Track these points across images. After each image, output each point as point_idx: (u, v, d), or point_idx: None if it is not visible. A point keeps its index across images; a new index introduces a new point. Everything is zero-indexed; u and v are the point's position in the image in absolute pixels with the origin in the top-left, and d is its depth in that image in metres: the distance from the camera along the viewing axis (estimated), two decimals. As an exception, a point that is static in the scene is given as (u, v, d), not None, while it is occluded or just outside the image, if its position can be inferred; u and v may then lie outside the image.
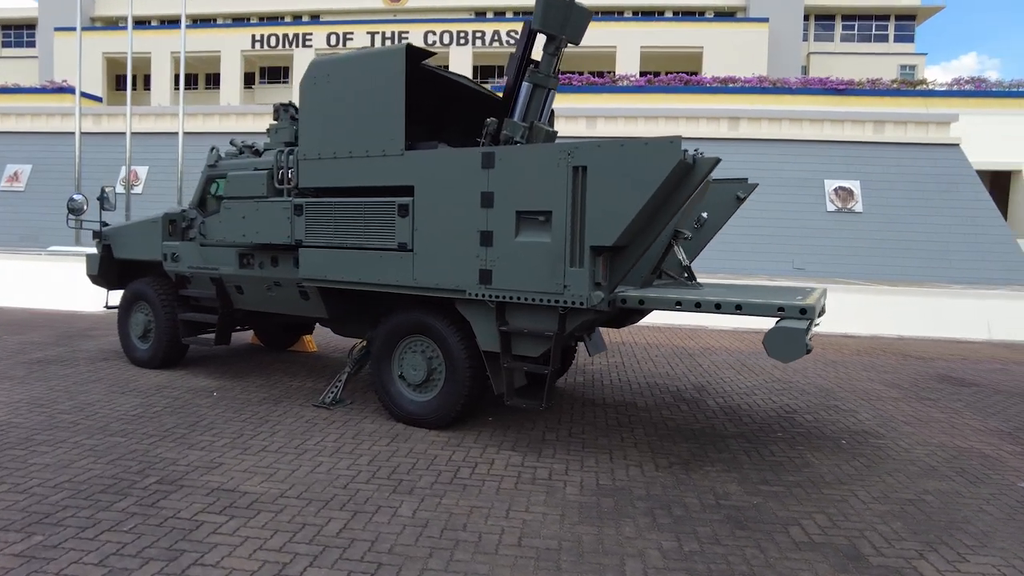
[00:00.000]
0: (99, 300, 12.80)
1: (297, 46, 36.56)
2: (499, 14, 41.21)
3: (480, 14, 41.45)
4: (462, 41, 37.05)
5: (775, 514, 3.99)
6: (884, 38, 37.46)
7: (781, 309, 4.21)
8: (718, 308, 4.34)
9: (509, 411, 5.96)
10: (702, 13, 40.76)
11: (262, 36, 36.91)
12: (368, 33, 36.85)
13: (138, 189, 21.76)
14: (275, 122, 7.22)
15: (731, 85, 25.34)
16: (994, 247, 18.89)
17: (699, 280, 5.73)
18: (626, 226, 4.25)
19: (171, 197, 19.56)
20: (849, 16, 38.41)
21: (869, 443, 5.50)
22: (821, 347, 10.44)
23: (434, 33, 36.88)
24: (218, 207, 6.95)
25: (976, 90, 23.11)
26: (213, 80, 39.40)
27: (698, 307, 4.39)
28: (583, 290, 4.41)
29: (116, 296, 8.20)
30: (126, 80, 41.10)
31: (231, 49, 36.54)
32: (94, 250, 8.20)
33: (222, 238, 6.72)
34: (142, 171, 22.61)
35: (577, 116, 22.33)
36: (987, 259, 18.72)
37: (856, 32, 37.95)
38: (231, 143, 7.41)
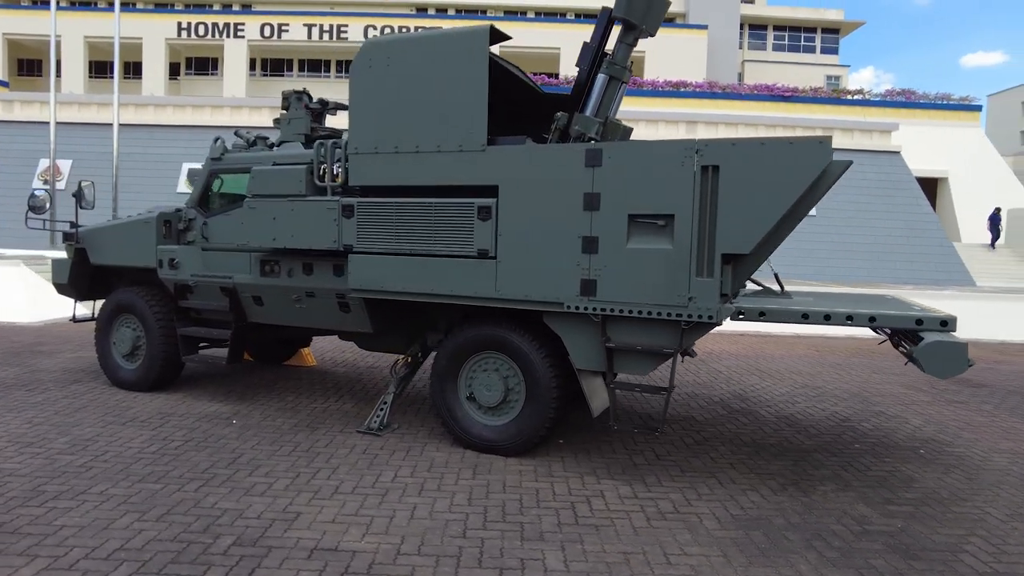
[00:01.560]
0: (38, 309, 11.32)
1: (228, 36, 34.43)
2: (441, 11, 40.46)
3: (421, 10, 40.56)
4: (405, 36, 35.99)
5: (930, 539, 3.73)
6: (812, 49, 39.44)
7: (919, 322, 3.97)
8: (850, 320, 4.05)
9: (573, 431, 5.49)
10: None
11: (189, 24, 34.52)
12: (305, 25, 35.22)
13: (61, 184, 19.63)
14: (285, 112, 6.45)
15: (683, 89, 25.78)
16: (933, 250, 20.06)
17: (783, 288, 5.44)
18: (766, 233, 3.88)
19: (104, 195, 17.72)
20: (780, 27, 40.15)
21: (946, 452, 5.40)
22: (810, 348, 10.56)
23: (374, 28, 35.68)
24: (222, 206, 6.10)
25: (907, 101, 24.55)
26: (133, 69, 36.47)
27: (827, 319, 4.08)
28: (712, 302, 4.01)
29: (86, 307, 7.12)
30: (35, 65, 37.42)
31: (154, 37, 33.93)
32: (60, 254, 7.07)
33: (233, 241, 5.89)
34: (64, 165, 20.43)
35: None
36: (927, 261, 19.85)
37: (787, 42, 39.74)
38: (236, 134, 6.54)
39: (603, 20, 5.16)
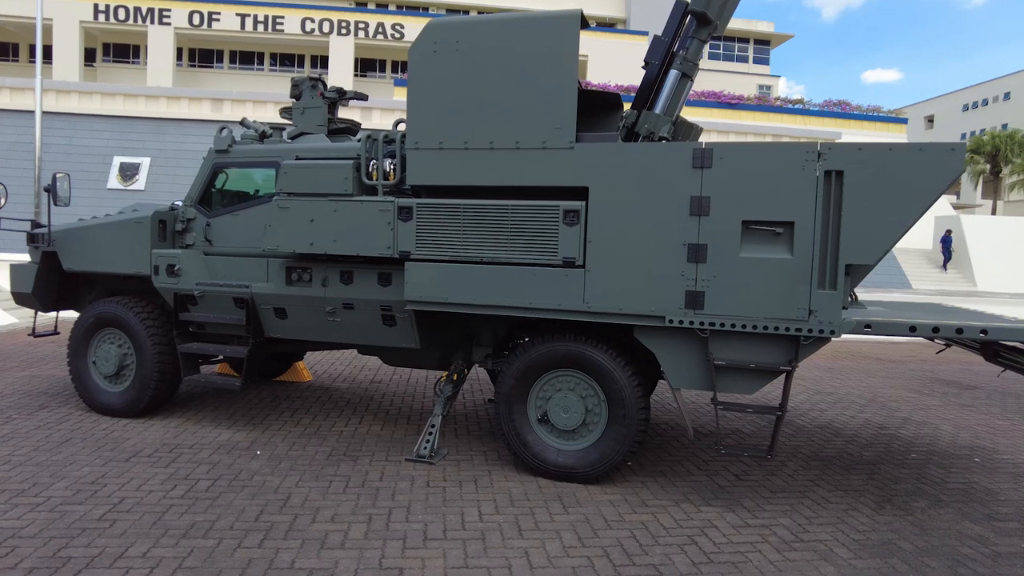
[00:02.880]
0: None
1: (152, 22, 31.98)
2: (381, 6, 39.32)
3: (361, 4, 39.27)
4: (343, 31, 34.72)
5: (1060, 560, 3.62)
6: (745, 59, 41.01)
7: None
8: (960, 333, 3.90)
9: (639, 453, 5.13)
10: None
11: (107, 7, 31.82)
12: (237, 15, 33.26)
13: (-34, 177, 17.41)
14: (296, 100, 5.77)
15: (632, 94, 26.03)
16: (873, 253, 21.10)
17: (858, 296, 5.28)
18: (894, 242, 3.67)
19: (24, 187, 15.86)
20: (715, 36, 41.46)
21: (998, 459, 5.41)
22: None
23: (312, 20, 34.20)
24: (229, 204, 5.37)
25: (843, 112, 25.83)
26: (42, 53, 33.18)
27: (936, 332, 3.92)
28: (834, 316, 3.76)
29: (55, 320, 6.14)
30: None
31: (67, 18, 31.05)
32: (18, 258, 6.05)
33: (248, 245, 5.19)
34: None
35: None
36: (868, 264, 20.84)
37: (721, 52, 41.13)
38: (243, 123, 5.79)
39: (678, 14, 4.84)
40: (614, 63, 34.58)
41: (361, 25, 34.69)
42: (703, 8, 4.63)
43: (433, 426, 4.92)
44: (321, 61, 35.82)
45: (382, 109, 21.11)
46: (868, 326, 3.92)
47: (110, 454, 4.65)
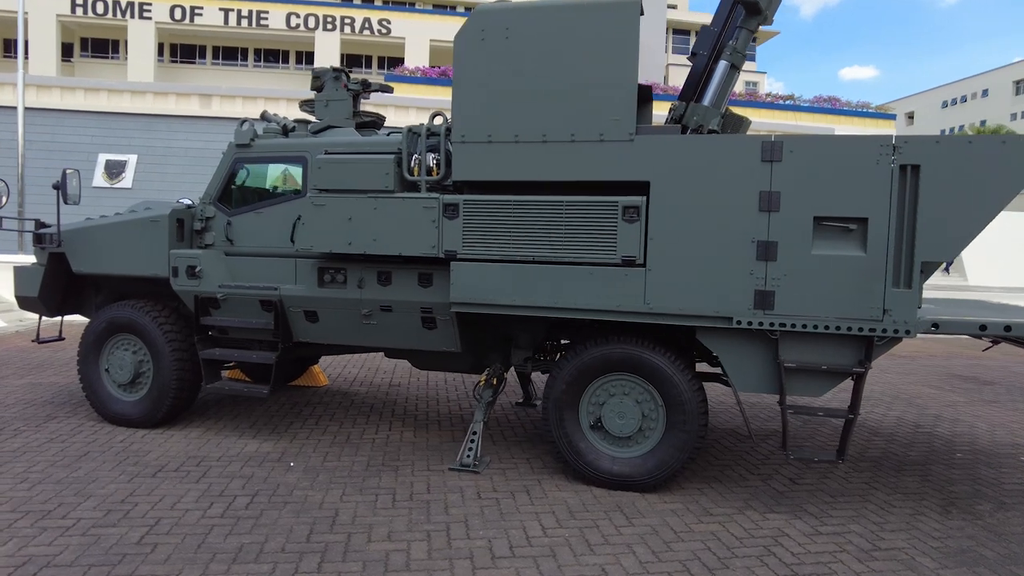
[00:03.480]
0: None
1: (132, 16, 31.11)
2: (368, 1, 38.73)
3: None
4: (329, 27, 34.10)
5: None
6: None
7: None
8: (1032, 331, 3.78)
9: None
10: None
11: (85, 1, 30.87)
12: (220, 10, 32.48)
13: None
14: (317, 93, 5.50)
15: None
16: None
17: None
18: (972, 238, 3.53)
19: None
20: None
21: (1041, 457, 5.35)
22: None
23: (298, 16, 33.53)
24: (252, 201, 5.10)
25: (834, 107, 25.97)
26: (14, 48, 32.16)
27: (1008, 331, 3.80)
28: (910, 315, 3.61)
29: (58, 325, 5.82)
30: None
31: (43, 12, 30.06)
32: (23, 259, 5.70)
33: (273, 245, 4.93)
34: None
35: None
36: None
37: (708, 49, 41.15)
38: (264, 117, 5.51)
39: (727, 4, 4.67)
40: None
41: (347, 20, 34.11)
42: (756, -3, 4.47)
43: (475, 433, 4.70)
44: (306, 57, 35.22)
45: (373, 105, 20.75)
46: (935, 325, 3.80)
47: (134, 469, 4.37)
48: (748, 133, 4.72)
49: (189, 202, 5.76)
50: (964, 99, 54.26)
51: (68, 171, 5.14)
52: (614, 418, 4.23)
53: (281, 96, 18.81)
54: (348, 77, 5.51)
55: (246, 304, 4.97)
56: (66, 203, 5.15)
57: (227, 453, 4.75)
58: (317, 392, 6.74)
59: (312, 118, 5.49)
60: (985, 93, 52.53)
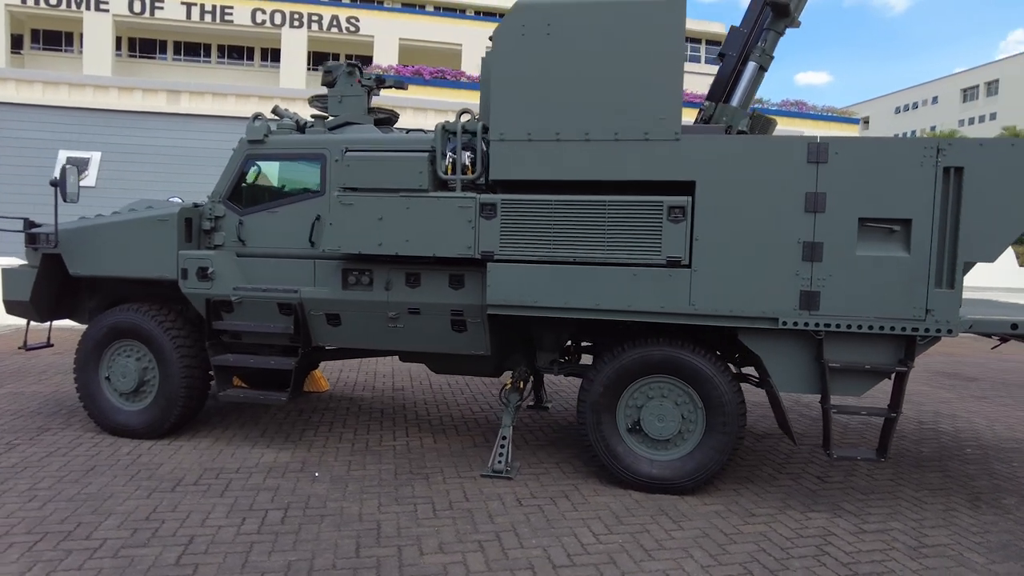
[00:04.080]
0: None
1: (88, 8, 29.82)
2: (334, -2, 38.04)
3: (313, -5, 37.87)
4: (296, 24, 33.38)
5: None
6: (698, 59, 41.86)
7: None
8: (1063, 329, 3.89)
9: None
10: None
11: (37, -11, 29.46)
12: (182, 4, 31.40)
13: None
14: (329, 88, 5.33)
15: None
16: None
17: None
18: (1013, 239, 3.60)
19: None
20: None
21: (1043, 451, 5.54)
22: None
23: (263, 12, 32.70)
24: (264, 200, 4.89)
25: (800, 111, 26.63)
26: (-43, 37, 30.48)
27: (1039, 328, 3.90)
28: (952, 315, 3.67)
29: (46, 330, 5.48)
30: None
31: (-10, 0, 28.59)
32: (12, 261, 5.35)
33: (290, 245, 4.74)
34: None
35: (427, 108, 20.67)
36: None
37: (674, 54, 41.76)
38: (275, 112, 5.31)
39: (758, 4, 4.69)
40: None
41: (314, 17, 33.44)
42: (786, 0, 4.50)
43: (504, 439, 4.60)
44: (272, 54, 34.38)
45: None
46: (970, 326, 3.87)
47: (149, 483, 4.13)
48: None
49: (179, 200, 5.51)
50: (916, 105, 56.56)
51: (67, 166, 4.84)
52: (653, 421, 4.18)
53: (253, 93, 18.27)
54: (362, 72, 5.35)
55: (263, 307, 4.76)
56: (64, 201, 4.84)
57: (244, 464, 4.54)
58: (321, 398, 6.53)
59: (305, 115, 5.30)
60: (935, 100, 54.84)
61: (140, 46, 33.48)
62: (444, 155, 4.27)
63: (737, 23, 4.87)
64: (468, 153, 4.29)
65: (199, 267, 4.77)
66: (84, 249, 4.98)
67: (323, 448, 4.94)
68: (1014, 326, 3.89)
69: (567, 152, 3.99)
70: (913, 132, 48.73)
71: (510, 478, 4.41)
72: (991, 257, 3.66)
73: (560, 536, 3.56)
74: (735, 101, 4.70)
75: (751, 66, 4.69)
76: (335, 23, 33.93)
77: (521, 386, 4.88)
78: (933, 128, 48.53)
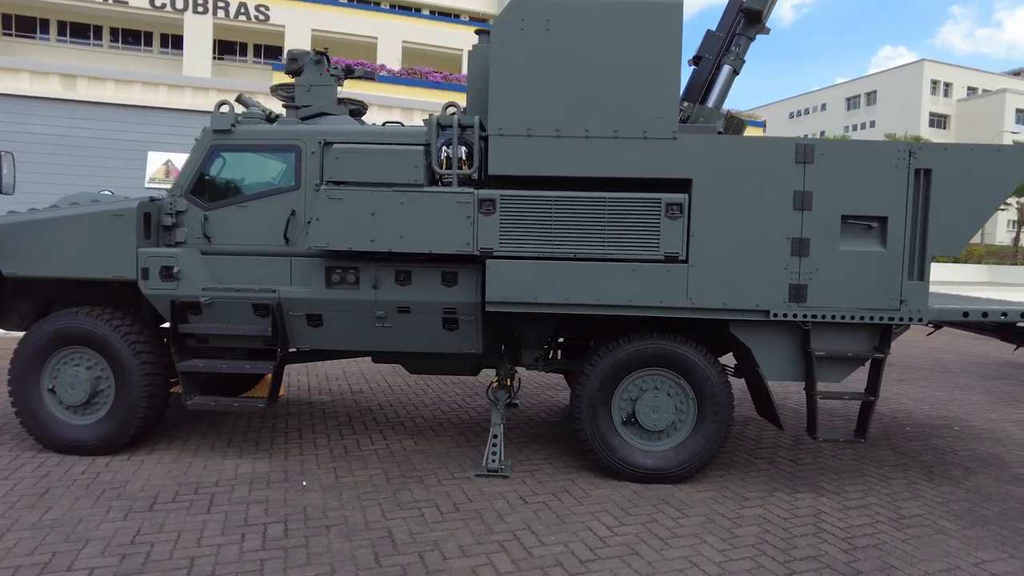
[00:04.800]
0: None
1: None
2: (239, -17, 36.05)
3: (214, -22, 35.72)
4: (200, 9, 31.39)
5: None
6: None
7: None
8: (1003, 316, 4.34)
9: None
10: (457, 15, 41.65)
11: None
12: (64, -12, 28.70)
13: None
14: (294, 76, 5.07)
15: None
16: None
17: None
18: (973, 234, 3.97)
19: None
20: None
21: (971, 427, 6.12)
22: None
23: (160, -9, 30.50)
24: (231, 194, 4.59)
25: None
26: None
27: (1004, 316, 4.31)
28: (923, 304, 4.00)
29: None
30: None
31: None
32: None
33: (264, 242, 4.48)
34: None
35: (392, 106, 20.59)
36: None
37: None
38: (240, 100, 4.97)
39: (733, 10, 4.89)
40: (490, 60, 34.72)
41: (220, 4, 31.52)
42: (760, 6, 4.72)
43: (495, 437, 4.56)
44: (173, 41, 32.16)
45: (265, 94, 19.46)
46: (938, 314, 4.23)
47: (121, 503, 3.76)
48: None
49: (110, 193, 5.08)
50: (807, 111, 61.11)
51: (3, 153, 4.30)
52: (649, 412, 4.28)
53: (162, 82, 17.01)
54: (329, 61, 5.11)
55: (235, 308, 4.45)
56: (2, 193, 4.31)
57: (221, 477, 4.23)
58: (278, 404, 6.19)
59: (265, 106, 5.01)
60: (824, 107, 59.46)
61: (17, 24, 30.35)
62: (439, 148, 4.16)
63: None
64: (464, 147, 4.20)
65: (163, 266, 4.40)
66: (22, 247, 4.46)
67: (300, 456, 4.69)
68: (985, 314, 4.29)
69: (567, 148, 4.00)
70: (806, 135, 52.60)
71: (506, 476, 4.38)
72: (955, 251, 4.02)
73: (576, 531, 3.58)
74: (711, 102, 4.89)
75: (726, 69, 4.90)
76: (243, 11, 32.15)
77: (508, 383, 4.85)
78: (823, 133, 52.64)
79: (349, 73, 5.27)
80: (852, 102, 56.84)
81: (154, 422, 4.66)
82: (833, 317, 4.02)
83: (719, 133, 4.79)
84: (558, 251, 4.04)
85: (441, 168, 4.16)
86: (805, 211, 3.97)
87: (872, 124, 53.85)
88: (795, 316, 4.02)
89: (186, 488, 4.02)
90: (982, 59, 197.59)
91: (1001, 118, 51.07)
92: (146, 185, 15.54)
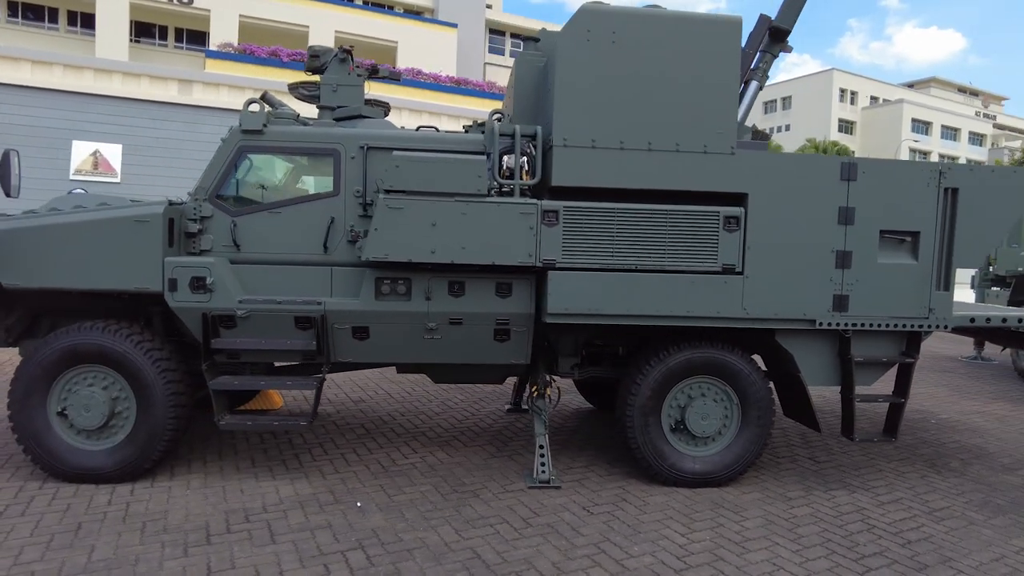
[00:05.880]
0: None
1: None
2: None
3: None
4: (115, -13, 29.07)
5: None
6: (501, 52, 43.72)
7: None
8: None
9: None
10: (391, 7, 40.74)
11: None
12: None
13: None
14: (314, 74, 4.86)
15: (464, 87, 26.15)
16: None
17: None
18: (992, 249, 4.33)
19: None
20: (516, 35, 43.40)
21: (949, 421, 6.68)
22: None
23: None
24: (263, 199, 4.34)
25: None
26: None
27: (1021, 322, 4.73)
28: (948, 313, 4.33)
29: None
30: None
31: None
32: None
33: (300, 251, 4.27)
34: None
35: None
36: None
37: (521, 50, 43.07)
38: (264, 99, 4.68)
39: (762, 28, 5.07)
40: (423, 51, 34.25)
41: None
42: (788, 25, 4.94)
43: (542, 447, 4.56)
44: (82, 19, 29.63)
45: (204, 83, 18.25)
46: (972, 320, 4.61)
47: (170, 536, 3.48)
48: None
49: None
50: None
51: (10, 150, 3.84)
52: (698, 419, 4.41)
53: (86, 65, 15.63)
54: (352, 58, 4.90)
55: (275, 321, 4.21)
56: (8, 195, 3.86)
57: (267, 502, 4.00)
58: (280, 415, 5.88)
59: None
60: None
61: None
62: (500, 158, 4.09)
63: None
64: (524, 157, 4.15)
65: (194, 276, 4.09)
66: (22, 256, 4.01)
67: (337, 473, 4.50)
68: (1004, 320, 4.69)
69: (631, 160, 4.04)
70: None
71: (558, 487, 4.38)
72: (977, 263, 4.38)
73: (654, 540, 3.64)
74: (738, 117, 5.06)
75: (753, 85, 5.09)
76: (163, -10, 30.10)
77: (547, 392, 4.85)
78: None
79: (374, 73, 5.08)
80: (770, 106, 60.22)
81: (176, 445, 4.33)
82: (871, 325, 4.28)
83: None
84: (620, 263, 4.08)
85: (502, 177, 4.09)
86: (848, 225, 4.20)
87: (788, 128, 57.26)
88: (838, 324, 4.26)
89: (235, 516, 3.77)
90: (876, 70, 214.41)
91: (899, 126, 55.59)
92: (71, 177, 14.33)
